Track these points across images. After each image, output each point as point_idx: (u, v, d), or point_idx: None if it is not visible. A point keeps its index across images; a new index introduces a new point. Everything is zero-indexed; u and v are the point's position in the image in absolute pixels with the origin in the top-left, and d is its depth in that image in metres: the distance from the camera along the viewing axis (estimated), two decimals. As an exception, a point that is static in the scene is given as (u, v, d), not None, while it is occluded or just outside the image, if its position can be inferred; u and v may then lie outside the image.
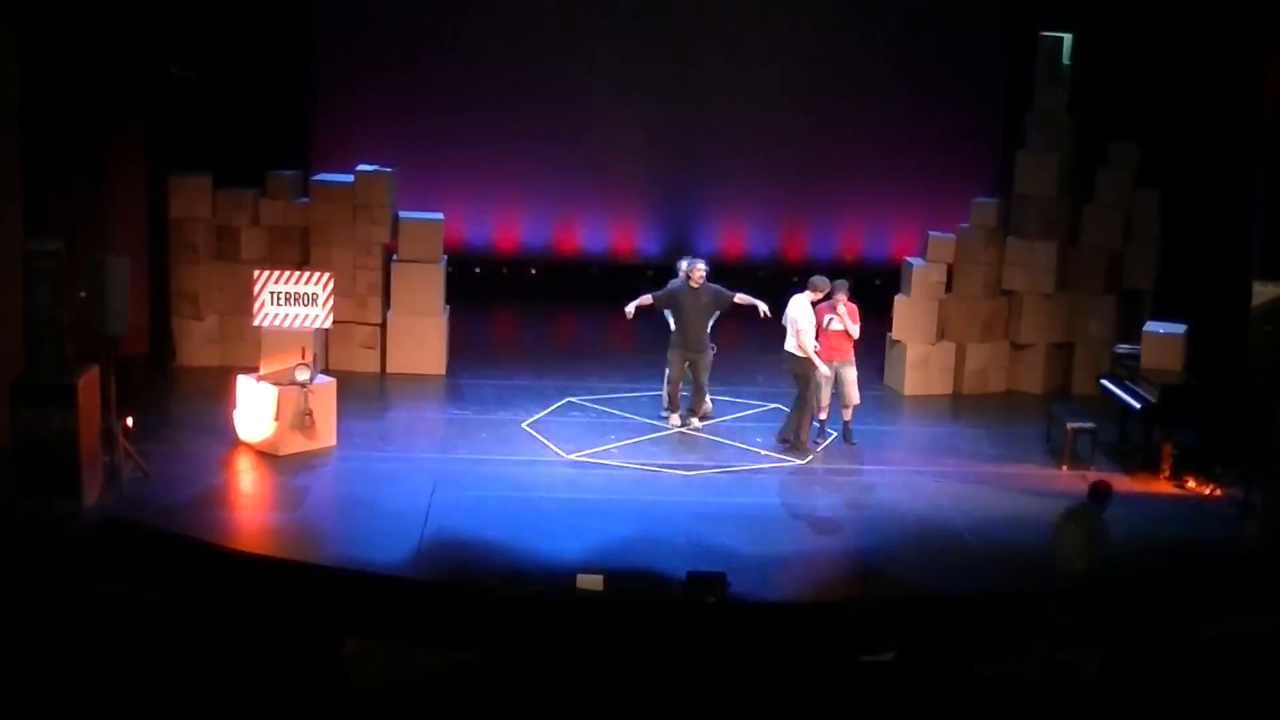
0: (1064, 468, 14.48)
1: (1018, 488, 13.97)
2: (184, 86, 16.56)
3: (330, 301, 14.13)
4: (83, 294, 12.63)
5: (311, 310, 14.04)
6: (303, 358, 13.90)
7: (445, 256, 17.18)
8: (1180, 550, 12.71)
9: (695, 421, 15.15)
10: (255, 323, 14.17)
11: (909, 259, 17.46)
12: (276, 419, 13.79)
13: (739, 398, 16.08)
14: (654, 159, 20.70)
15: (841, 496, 13.64)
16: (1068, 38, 17.19)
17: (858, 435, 15.05)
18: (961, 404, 16.73)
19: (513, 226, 20.81)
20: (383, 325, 16.82)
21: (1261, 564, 12.42)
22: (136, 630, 9.15)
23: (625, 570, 11.75)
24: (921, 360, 16.96)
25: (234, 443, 14.05)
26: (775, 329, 14.90)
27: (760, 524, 12.93)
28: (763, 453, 14.59)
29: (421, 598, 11.43)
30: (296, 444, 13.89)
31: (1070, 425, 14.57)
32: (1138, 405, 14.64)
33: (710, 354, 15.12)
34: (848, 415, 15.01)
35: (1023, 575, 12.08)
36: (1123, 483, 14.17)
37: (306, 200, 17.01)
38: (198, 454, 13.83)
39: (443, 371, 16.83)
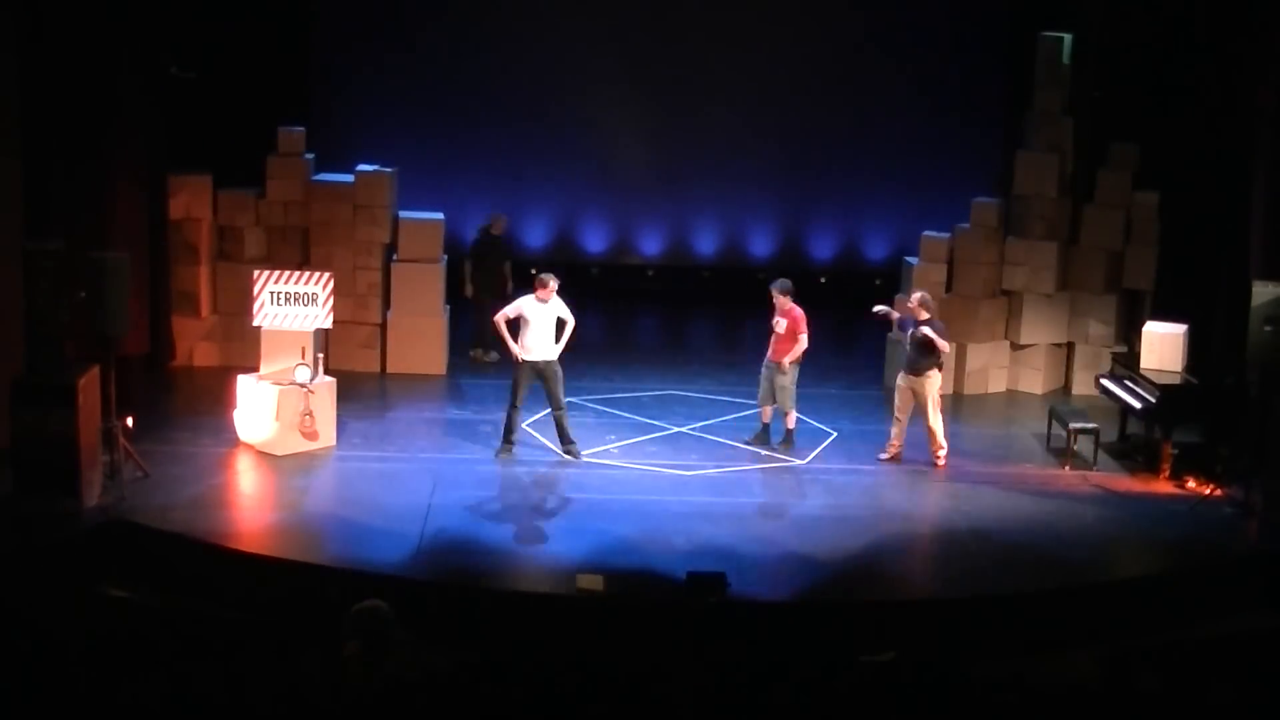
0: (1066, 468, 14.47)
1: (1018, 488, 13.94)
2: (184, 86, 16.55)
3: (330, 301, 14.12)
4: (83, 294, 12.62)
5: (311, 310, 14.04)
6: (303, 358, 13.90)
7: (445, 256, 17.19)
8: (1180, 550, 12.70)
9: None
10: (255, 323, 14.16)
11: (909, 259, 17.46)
12: (276, 419, 13.79)
13: (738, 398, 16.07)
14: (654, 159, 20.71)
15: (841, 496, 13.63)
16: (1068, 38, 17.21)
17: (858, 435, 15.03)
18: (961, 404, 16.72)
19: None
20: (383, 325, 16.83)
21: (1261, 564, 12.41)
22: (136, 630, 9.15)
23: (625, 570, 11.75)
24: (921, 360, 16.93)
25: (234, 443, 14.04)
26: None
27: (759, 524, 12.92)
28: (763, 453, 14.58)
29: (421, 598, 11.41)
30: (296, 444, 13.89)
31: (1072, 425, 14.56)
32: (1138, 405, 14.64)
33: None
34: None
35: (1023, 576, 12.08)
36: (1123, 483, 14.21)
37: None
38: (198, 454, 13.82)
39: (443, 371, 16.84)
